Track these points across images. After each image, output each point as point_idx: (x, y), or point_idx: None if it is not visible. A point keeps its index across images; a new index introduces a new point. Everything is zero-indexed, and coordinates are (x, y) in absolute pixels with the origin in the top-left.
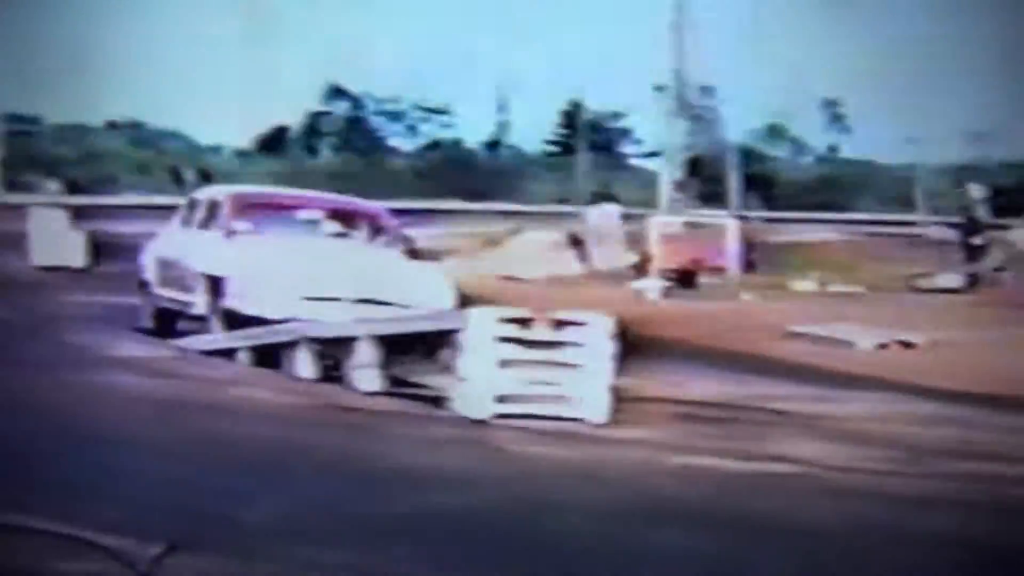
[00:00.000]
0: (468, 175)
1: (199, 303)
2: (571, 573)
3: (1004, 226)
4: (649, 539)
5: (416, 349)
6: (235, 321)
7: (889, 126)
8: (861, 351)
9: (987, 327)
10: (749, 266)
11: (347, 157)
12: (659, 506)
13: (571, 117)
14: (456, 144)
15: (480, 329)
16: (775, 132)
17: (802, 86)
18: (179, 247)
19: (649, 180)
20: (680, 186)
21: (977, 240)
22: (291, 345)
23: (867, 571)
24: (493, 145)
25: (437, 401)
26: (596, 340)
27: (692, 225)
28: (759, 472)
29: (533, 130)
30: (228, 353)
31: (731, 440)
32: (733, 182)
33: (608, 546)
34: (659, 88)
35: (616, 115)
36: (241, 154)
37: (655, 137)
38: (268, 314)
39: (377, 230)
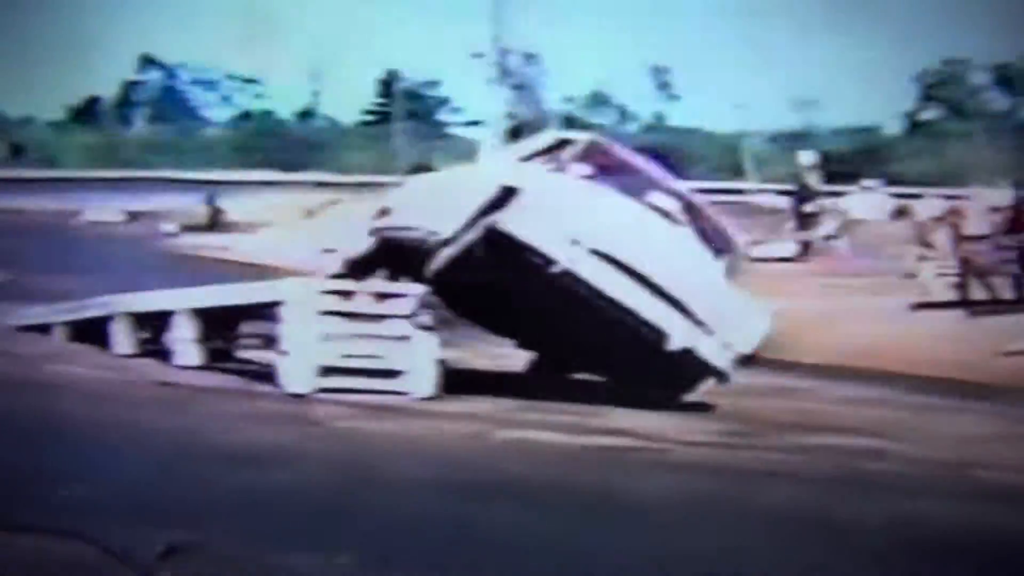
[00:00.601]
0: (282, 145)
1: (449, 226)
2: (398, 550)
3: (836, 193)
4: (479, 515)
5: (242, 323)
6: (490, 253)
7: (717, 93)
8: None
9: (820, 296)
10: None
11: (161, 127)
12: (491, 481)
13: (387, 86)
14: (269, 114)
15: (301, 302)
16: (599, 100)
17: (627, 53)
18: (473, 170)
19: (470, 149)
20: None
21: (809, 208)
22: (109, 319)
23: (709, 545)
24: (306, 115)
25: (262, 376)
26: (419, 311)
27: None
28: (594, 446)
29: (348, 100)
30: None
31: (565, 414)
32: None
33: (436, 522)
34: (478, 55)
35: (433, 83)
36: (53, 125)
37: (475, 106)
38: (535, 242)
39: (724, 251)
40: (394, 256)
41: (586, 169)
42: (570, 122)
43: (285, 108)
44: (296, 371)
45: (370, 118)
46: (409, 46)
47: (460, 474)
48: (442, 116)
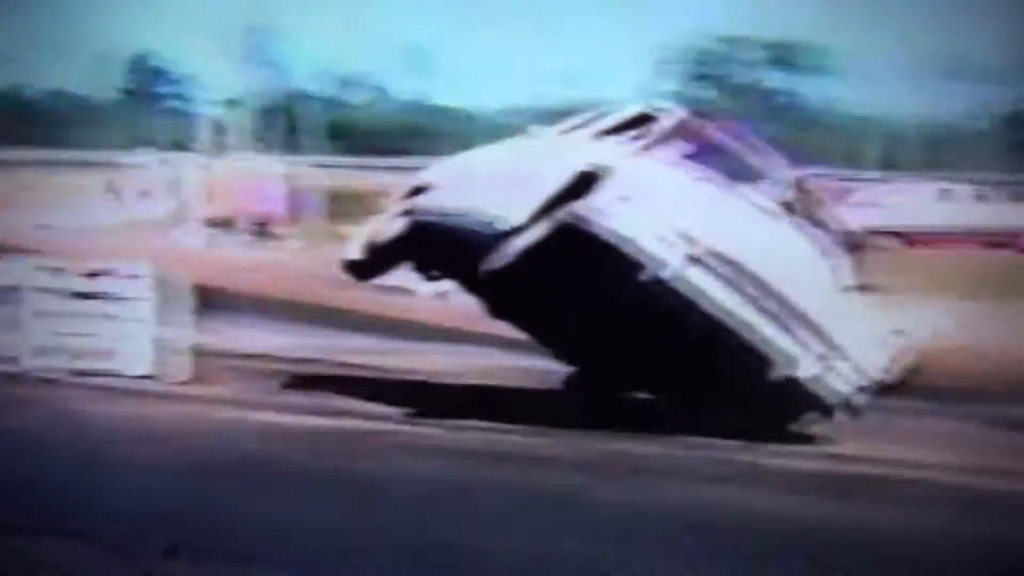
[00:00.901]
0: (30, 123)
1: (513, 213)
2: (135, 533)
3: None
4: (220, 500)
5: None
6: (562, 251)
7: (480, 72)
8: (421, 299)
9: None
10: (300, 213)
11: None
12: (235, 465)
13: (138, 64)
14: (15, 91)
15: (13, 280)
16: (354, 79)
17: (385, 30)
18: (542, 144)
19: (218, 127)
20: (253, 133)
21: None
22: None
23: (452, 527)
24: (57, 93)
25: None
26: (137, 291)
27: (243, 171)
28: (337, 429)
29: (98, 77)
30: None
31: (306, 395)
32: (302, 128)
33: (182, 507)
34: (229, 34)
35: (183, 62)
36: None
37: (224, 85)
38: (621, 243)
39: (835, 248)
40: (430, 244)
41: (677, 151)
42: (326, 102)
43: (37, 85)
44: (14, 351)
45: (120, 96)
46: (159, 23)
47: (206, 457)
48: (191, 94)
